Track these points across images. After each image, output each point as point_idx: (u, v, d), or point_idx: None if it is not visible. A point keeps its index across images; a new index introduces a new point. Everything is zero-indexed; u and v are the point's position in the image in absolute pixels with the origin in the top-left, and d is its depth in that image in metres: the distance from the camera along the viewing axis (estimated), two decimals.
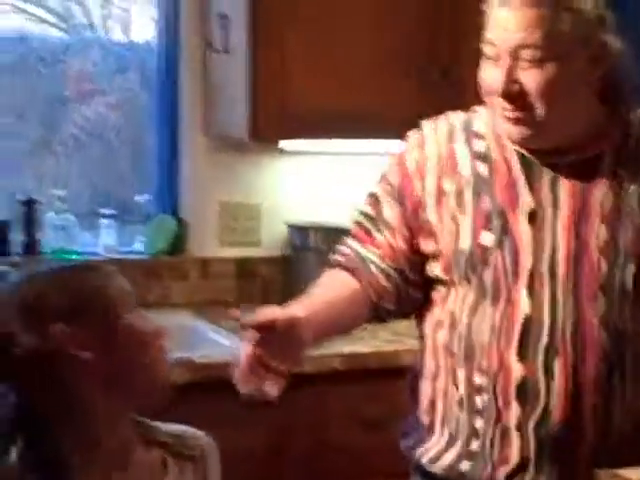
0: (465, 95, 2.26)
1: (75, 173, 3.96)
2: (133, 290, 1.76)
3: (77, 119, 4.09)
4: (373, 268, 2.08)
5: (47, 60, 4.05)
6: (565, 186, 2.00)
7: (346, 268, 2.09)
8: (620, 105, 2.06)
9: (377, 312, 2.09)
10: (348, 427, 2.84)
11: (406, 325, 2.29)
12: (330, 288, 2.06)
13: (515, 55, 1.88)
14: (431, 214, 2.06)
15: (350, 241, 2.13)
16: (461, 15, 3.17)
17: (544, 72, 1.89)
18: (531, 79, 1.89)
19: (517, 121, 1.95)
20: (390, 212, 2.10)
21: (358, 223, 2.15)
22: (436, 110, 2.21)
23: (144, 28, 4.37)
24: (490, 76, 1.94)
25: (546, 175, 2.00)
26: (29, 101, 4.00)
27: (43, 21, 4.65)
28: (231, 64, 3.26)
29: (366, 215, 2.13)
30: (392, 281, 2.09)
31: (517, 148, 2.04)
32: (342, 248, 2.14)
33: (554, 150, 2.00)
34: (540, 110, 1.92)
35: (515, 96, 1.91)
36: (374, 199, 2.14)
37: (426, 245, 2.07)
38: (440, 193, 2.06)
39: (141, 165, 3.95)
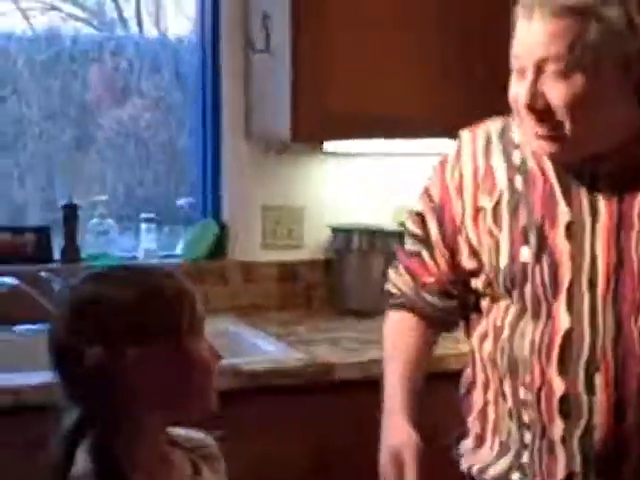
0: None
1: (114, 177, 3.96)
2: (204, 313, 1.78)
3: (111, 121, 4.10)
4: (432, 309, 2.15)
5: (80, 60, 4.03)
6: (604, 195, 1.97)
7: (409, 309, 2.17)
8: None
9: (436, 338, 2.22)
10: None
11: None
12: (410, 347, 2.15)
13: (540, 68, 1.86)
14: (470, 232, 2.06)
15: (404, 273, 2.18)
16: (507, 16, 3.18)
17: (570, 85, 1.84)
18: (557, 93, 1.85)
19: (546, 138, 1.92)
20: (436, 231, 2.12)
21: (409, 249, 2.18)
22: (482, 111, 2.19)
23: (179, 25, 4.36)
24: (516, 91, 1.92)
25: (584, 184, 1.98)
26: (64, 102, 3.98)
27: (76, 19, 4.66)
28: (273, 65, 3.26)
29: (415, 236, 2.16)
30: (447, 308, 2.16)
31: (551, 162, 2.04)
32: (398, 282, 2.19)
33: (592, 157, 1.96)
34: (569, 125, 1.87)
35: (541, 111, 1.87)
36: (420, 218, 2.15)
37: (467, 263, 2.09)
38: (477, 210, 2.06)
39: (181, 168, 3.94)
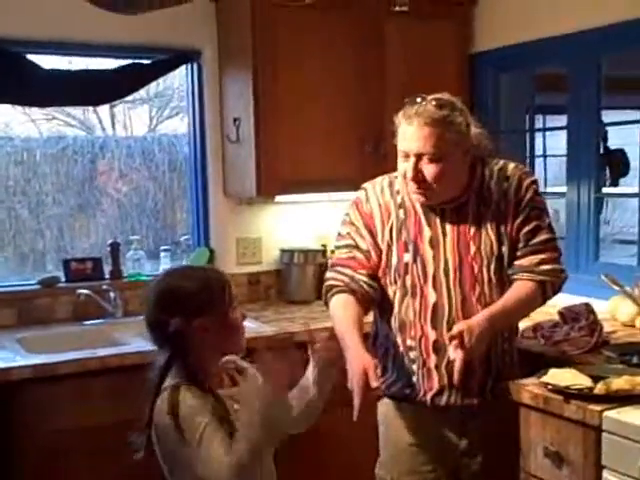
0: (388, 163, 2.45)
1: (138, 223, 4.29)
2: (235, 293, 1.99)
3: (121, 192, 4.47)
4: (365, 287, 2.30)
5: (82, 152, 4.37)
6: (449, 222, 2.26)
7: (349, 291, 2.28)
8: (478, 165, 2.27)
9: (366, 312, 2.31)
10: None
11: None
12: (354, 312, 2.23)
13: (418, 156, 2.16)
14: (379, 242, 2.32)
15: (343, 270, 2.31)
16: (386, 104, 3.39)
17: (437, 166, 2.16)
18: (429, 171, 2.17)
19: (420, 193, 2.21)
20: (363, 242, 2.32)
21: (344, 256, 2.33)
22: (371, 173, 2.48)
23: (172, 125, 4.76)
24: (403, 168, 2.21)
25: (438, 216, 2.27)
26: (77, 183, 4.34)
27: (71, 125, 5.16)
28: (242, 150, 3.53)
29: (348, 246, 2.33)
30: (373, 287, 2.31)
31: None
32: (339, 274, 2.31)
33: (441, 202, 2.26)
34: (434, 186, 2.18)
35: (419, 180, 2.18)
36: (349, 236, 2.34)
37: (378, 260, 2.32)
38: (382, 230, 2.31)
39: (183, 217, 4.26)
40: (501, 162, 2.34)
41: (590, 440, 2.04)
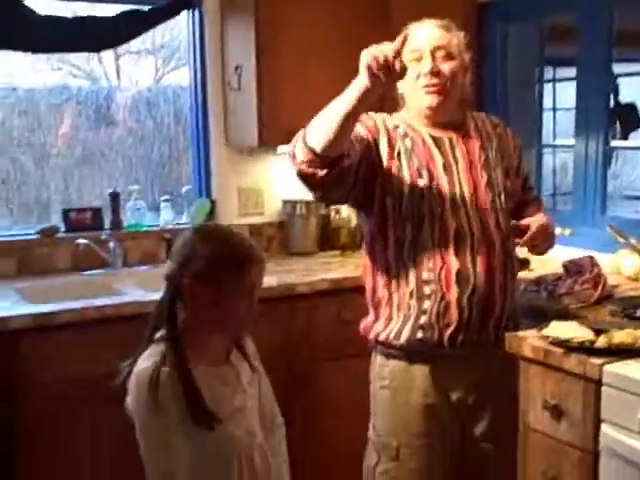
0: (392, 112, 2.36)
1: (143, 175, 4.30)
2: (264, 260, 1.90)
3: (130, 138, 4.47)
4: (359, 132, 2.13)
5: (85, 103, 4.34)
6: (458, 148, 2.28)
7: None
8: (467, 107, 2.37)
9: (338, 163, 1.99)
10: (332, 325, 3.14)
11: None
12: None
13: (433, 54, 2.21)
14: (385, 162, 2.19)
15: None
16: None
17: (452, 62, 2.23)
18: (445, 67, 2.22)
19: (436, 91, 2.21)
20: (360, 132, 2.14)
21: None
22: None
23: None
24: (416, 70, 2.20)
25: (446, 143, 2.27)
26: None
27: (75, 76, 5.12)
28: (244, 98, 3.51)
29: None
30: (357, 153, 2.08)
31: (427, 130, 2.26)
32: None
33: (446, 127, 2.27)
34: (448, 83, 2.21)
35: (437, 73, 2.20)
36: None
37: (378, 184, 2.19)
38: (391, 151, 2.21)
39: (184, 168, 4.24)
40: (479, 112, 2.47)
41: (590, 393, 2.01)
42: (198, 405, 1.79)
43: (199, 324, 1.88)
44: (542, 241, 2.29)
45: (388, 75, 1.83)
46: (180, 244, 1.91)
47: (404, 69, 1.86)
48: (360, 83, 1.87)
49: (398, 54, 1.82)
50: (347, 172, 2.07)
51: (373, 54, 1.83)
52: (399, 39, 1.83)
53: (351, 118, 1.93)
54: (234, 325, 1.92)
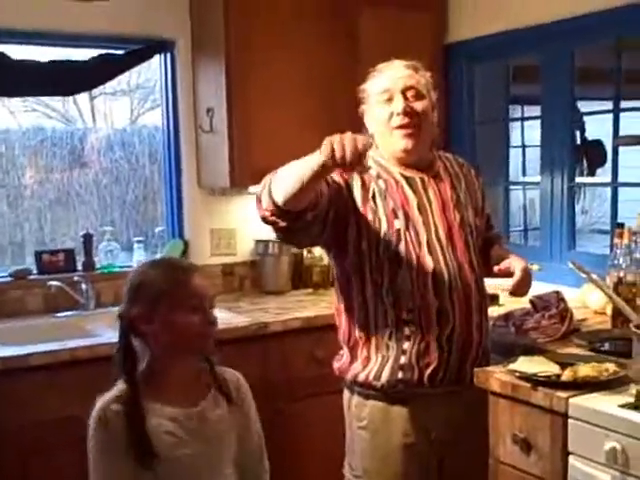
0: None
1: (118, 215, 4.28)
2: (208, 292, 1.93)
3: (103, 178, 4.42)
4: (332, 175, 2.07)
5: (60, 144, 4.34)
6: (430, 188, 2.28)
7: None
8: (434, 146, 2.36)
9: (300, 216, 1.97)
10: (306, 363, 3.14)
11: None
12: None
13: (404, 94, 2.22)
14: (360, 204, 2.18)
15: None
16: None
17: (422, 102, 2.24)
18: (417, 106, 2.22)
19: (409, 135, 2.21)
20: (333, 175, 2.08)
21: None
22: None
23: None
24: (388, 110, 2.21)
25: (418, 183, 2.27)
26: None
27: (50, 117, 5.14)
28: (215, 140, 3.53)
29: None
30: (324, 202, 2.05)
31: (399, 170, 2.26)
32: None
33: (417, 167, 2.27)
34: (422, 125, 2.21)
35: (411, 113, 2.20)
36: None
37: (352, 227, 2.17)
38: (365, 196, 2.19)
39: (158, 208, 4.17)
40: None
41: (557, 426, 2.03)
42: (141, 443, 1.81)
43: (163, 353, 1.89)
44: (527, 285, 2.28)
45: (348, 168, 1.78)
46: (127, 283, 1.95)
47: (366, 169, 1.89)
48: (320, 161, 1.78)
49: (365, 152, 1.75)
50: (311, 223, 2.05)
51: (341, 142, 1.73)
52: (369, 140, 1.76)
53: (312, 182, 1.86)
54: (193, 340, 1.90)
